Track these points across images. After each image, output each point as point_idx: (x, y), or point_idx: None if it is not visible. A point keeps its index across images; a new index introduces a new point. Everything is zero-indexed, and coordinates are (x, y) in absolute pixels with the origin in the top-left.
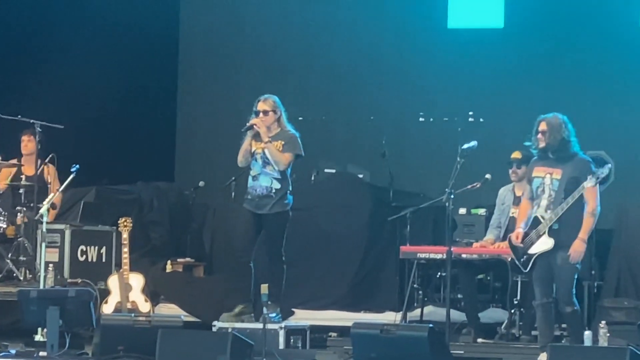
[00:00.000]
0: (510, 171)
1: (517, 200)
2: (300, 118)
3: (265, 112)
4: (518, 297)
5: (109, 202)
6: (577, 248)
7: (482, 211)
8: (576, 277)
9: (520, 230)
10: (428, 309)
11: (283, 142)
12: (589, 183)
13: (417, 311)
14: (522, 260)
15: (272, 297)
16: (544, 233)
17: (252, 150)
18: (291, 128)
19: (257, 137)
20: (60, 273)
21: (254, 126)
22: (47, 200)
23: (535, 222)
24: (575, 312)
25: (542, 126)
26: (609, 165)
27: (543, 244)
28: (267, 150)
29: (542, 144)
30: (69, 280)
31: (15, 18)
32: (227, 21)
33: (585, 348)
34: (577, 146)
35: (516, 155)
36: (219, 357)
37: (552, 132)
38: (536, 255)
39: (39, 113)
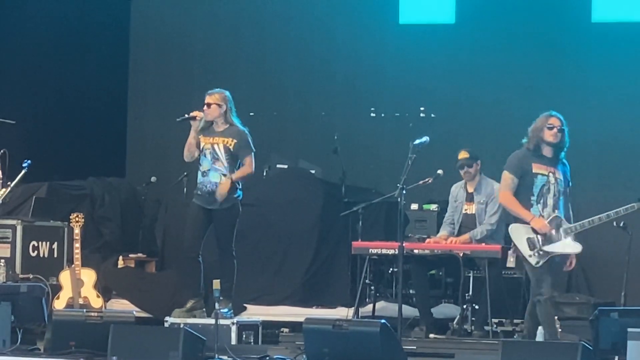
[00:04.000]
0: (462, 172)
1: (469, 197)
2: (251, 113)
3: (209, 105)
4: (470, 293)
5: (60, 198)
6: None
7: (434, 207)
8: None
9: (541, 219)
10: (380, 304)
11: (235, 141)
12: None
13: (369, 307)
14: (532, 254)
15: (224, 292)
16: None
17: (202, 145)
18: (239, 124)
19: (205, 132)
20: (11, 269)
21: (196, 118)
22: None
23: (556, 221)
24: None
25: (558, 122)
26: None
27: (570, 247)
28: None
29: (556, 140)
30: (21, 276)
31: None
32: (179, 16)
33: (537, 343)
34: None
35: (464, 155)
36: (171, 353)
37: (565, 130)
38: (555, 254)
39: None
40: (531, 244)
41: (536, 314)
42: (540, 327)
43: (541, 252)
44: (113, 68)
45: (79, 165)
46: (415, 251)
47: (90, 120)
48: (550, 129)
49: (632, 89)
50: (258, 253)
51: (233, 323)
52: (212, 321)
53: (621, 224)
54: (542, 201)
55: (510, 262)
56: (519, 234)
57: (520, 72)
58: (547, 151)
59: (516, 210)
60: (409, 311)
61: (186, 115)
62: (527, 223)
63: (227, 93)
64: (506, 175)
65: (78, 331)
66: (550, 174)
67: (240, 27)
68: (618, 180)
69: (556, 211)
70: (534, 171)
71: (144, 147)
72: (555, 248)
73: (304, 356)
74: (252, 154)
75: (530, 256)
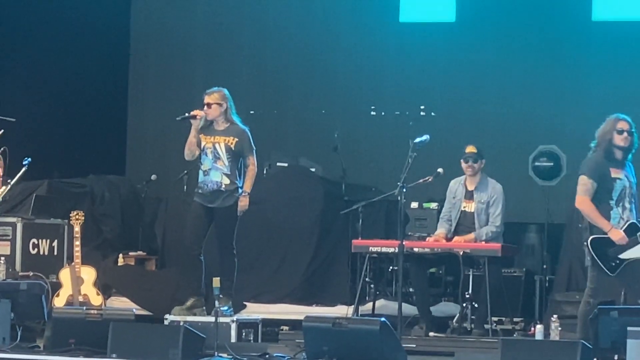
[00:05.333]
0: (466, 165)
1: (468, 194)
2: (252, 112)
3: (209, 105)
4: (470, 291)
5: (60, 196)
6: None
7: (434, 205)
8: None
9: (620, 230)
10: (380, 302)
11: (237, 140)
12: None
13: (369, 305)
14: (612, 264)
15: (224, 290)
16: None
17: (202, 144)
18: (239, 122)
19: (206, 130)
20: (11, 266)
21: (196, 117)
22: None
23: (633, 227)
24: None
25: (627, 125)
26: None
27: None
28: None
29: (627, 144)
30: (21, 274)
31: None
32: (179, 14)
33: (537, 342)
34: None
35: (472, 149)
36: (171, 351)
37: (634, 132)
38: (629, 260)
39: None
40: (611, 255)
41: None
42: (539, 326)
43: (617, 261)
44: (113, 66)
45: (79, 163)
46: (415, 249)
47: (91, 118)
48: (620, 133)
49: (632, 88)
50: (258, 251)
51: (233, 321)
52: (212, 319)
53: None
54: (621, 204)
55: (588, 260)
56: (600, 248)
57: (521, 71)
58: (618, 154)
59: (594, 218)
60: (409, 309)
61: (186, 114)
62: (604, 233)
63: (226, 91)
64: (585, 180)
65: (78, 329)
66: (625, 178)
67: (241, 26)
68: None
69: (632, 216)
70: (612, 176)
71: (144, 145)
72: (630, 254)
73: (304, 354)
74: (254, 152)
75: (607, 267)
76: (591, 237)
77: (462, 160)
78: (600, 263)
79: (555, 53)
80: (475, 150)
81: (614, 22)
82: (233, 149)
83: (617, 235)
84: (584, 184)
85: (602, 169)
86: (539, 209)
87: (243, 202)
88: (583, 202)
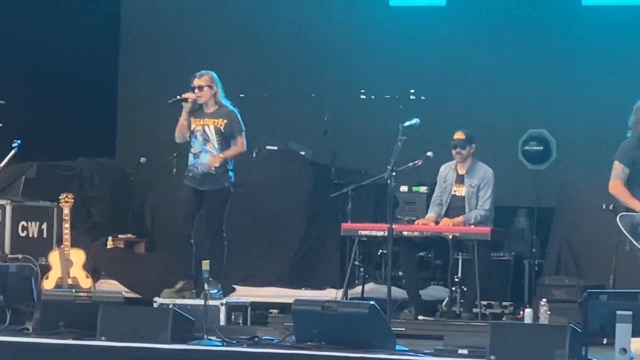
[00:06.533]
0: (455, 152)
1: (459, 179)
2: (241, 95)
3: (200, 88)
4: (459, 275)
5: (50, 178)
6: None
7: (423, 189)
8: None
9: None
10: (369, 286)
11: (225, 122)
12: None
13: (358, 288)
14: None
15: (213, 273)
16: None
17: (192, 127)
18: (229, 104)
19: (195, 114)
20: (1, 249)
21: (188, 100)
22: None
23: None
24: None
25: None
26: None
27: None
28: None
29: None
30: (10, 256)
31: None
32: None
33: (526, 326)
34: None
35: (460, 136)
36: (160, 333)
37: None
38: None
39: None
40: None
41: None
42: (528, 310)
43: None
44: (104, 48)
45: (68, 145)
46: (405, 233)
47: (81, 101)
48: None
49: (622, 72)
50: (247, 234)
51: (222, 304)
52: (201, 302)
53: (610, 207)
54: None
55: (634, 244)
56: (627, 223)
57: (511, 55)
58: None
59: (626, 199)
60: (398, 293)
61: (178, 97)
62: (635, 212)
63: (214, 74)
64: (616, 165)
65: (67, 311)
66: None
67: (232, 8)
68: (609, 165)
69: None
70: None
71: (134, 128)
72: None
73: (293, 337)
74: (243, 133)
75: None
76: (620, 214)
77: (450, 147)
78: (632, 239)
79: (545, 37)
80: (463, 137)
81: (604, 7)
82: (222, 131)
83: None
84: (615, 169)
85: (633, 153)
86: (529, 193)
87: (214, 159)
88: (614, 186)
